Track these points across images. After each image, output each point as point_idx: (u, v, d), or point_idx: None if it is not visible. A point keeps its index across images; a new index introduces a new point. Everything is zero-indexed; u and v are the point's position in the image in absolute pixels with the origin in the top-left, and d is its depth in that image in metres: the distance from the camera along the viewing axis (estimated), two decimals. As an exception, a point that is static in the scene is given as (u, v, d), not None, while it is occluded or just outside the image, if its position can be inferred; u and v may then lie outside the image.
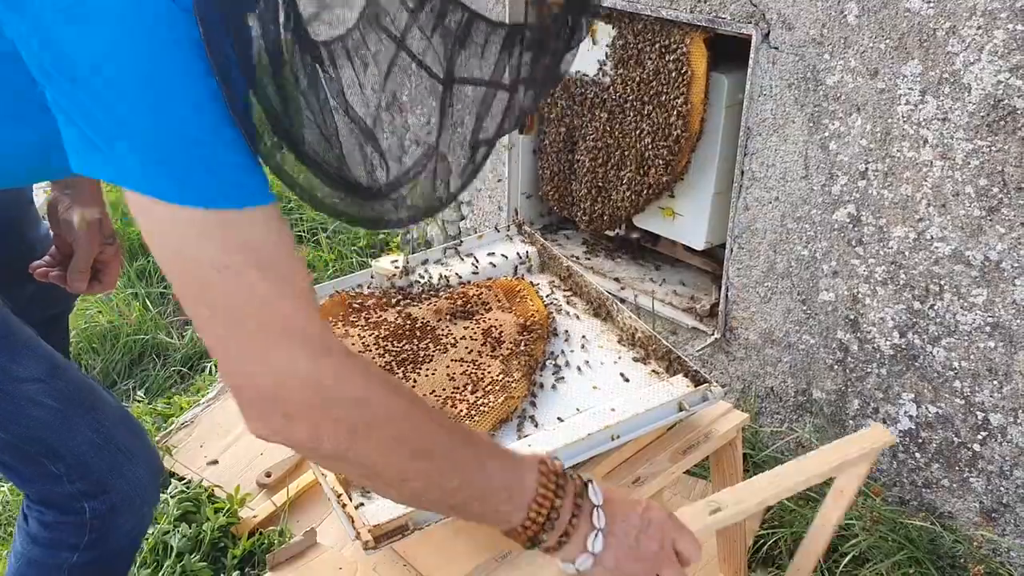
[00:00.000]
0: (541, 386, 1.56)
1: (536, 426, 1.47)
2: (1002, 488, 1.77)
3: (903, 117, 1.69)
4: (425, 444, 0.95)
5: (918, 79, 1.65)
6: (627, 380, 1.57)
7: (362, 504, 1.29)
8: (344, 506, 1.25)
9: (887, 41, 1.67)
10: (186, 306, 0.88)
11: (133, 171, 0.81)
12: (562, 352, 1.64)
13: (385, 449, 0.92)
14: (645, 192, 2.27)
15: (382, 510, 1.25)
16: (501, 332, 1.64)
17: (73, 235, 1.41)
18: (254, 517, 1.98)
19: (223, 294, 0.84)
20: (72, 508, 1.35)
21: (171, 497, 1.95)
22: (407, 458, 0.94)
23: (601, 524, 1.04)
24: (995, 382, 1.71)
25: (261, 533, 1.94)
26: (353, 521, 1.22)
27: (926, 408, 1.83)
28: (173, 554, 1.81)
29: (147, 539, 1.82)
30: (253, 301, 0.85)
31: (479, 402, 1.48)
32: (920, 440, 1.86)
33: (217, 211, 0.82)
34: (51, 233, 1.48)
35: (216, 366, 2.56)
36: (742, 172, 1.97)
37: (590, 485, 1.05)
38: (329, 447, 0.89)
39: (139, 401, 2.47)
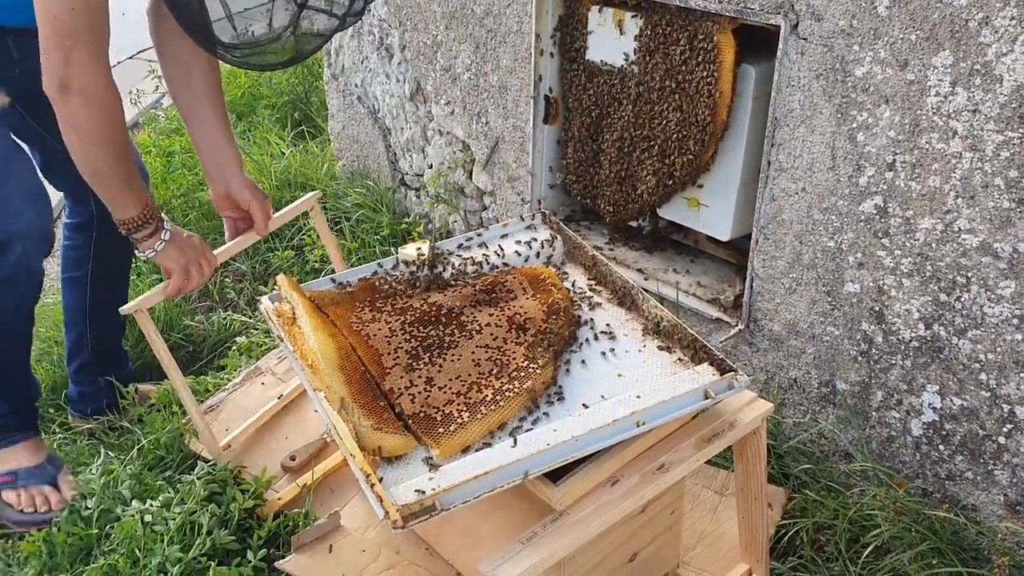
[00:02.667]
0: (566, 373, 1.57)
1: (561, 412, 1.48)
2: (1027, 482, 1.77)
3: (933, 108, 1.69)
4: (107, 144, 1.75)
5: (949, 70, 1.64)
6: (652, 368, 1.57)
7: (391, 486, 1.30)
8: (373, 486, 1.26)
9: (918, 32, 1.66)
10: (46, 36, 1.63)
11: None
12: (587, 340, 1.65)
13: (93, 128, 1.73)
14: (670, 182, 2.27)
15: (410, 491, 1.27)
16: (526, 319, 1.66)
17: (245, 203, 2.07)
18: (278, 499, 2.00)
19: (67, 23, 1.62)
20: None
21: (198, 478, 1.97)
22: (95, 144, 1.75)
23: (159, 248, 1.90)
24: (1022, 375, 1.71)
25: (286, 515, 1.97)
26: (382, 500, 1.24)
27: (951, 400, 1.82)
28: (203, 531, 1.83)
29: (174, 519, 1.85)
30: (78, 30, 1.63)
31: (504, 388, 1.49)
32: (944, 432, 1.85)
33: None
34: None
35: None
36: (769, 163, 1.97)
37: (164, 222, 1.91)
38: (76, 115, 1.69)
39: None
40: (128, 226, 1.87)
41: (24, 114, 2.15)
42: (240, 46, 1.56)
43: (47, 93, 1.68)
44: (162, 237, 1.90)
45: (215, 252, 2.07)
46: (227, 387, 2.38)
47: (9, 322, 2.08)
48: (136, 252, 1.93)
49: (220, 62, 1.83)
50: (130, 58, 5.61)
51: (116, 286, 2.42)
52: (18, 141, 2.11)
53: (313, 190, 3.42)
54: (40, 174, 2.17)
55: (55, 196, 4.02)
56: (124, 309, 1.96)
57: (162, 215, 1.93)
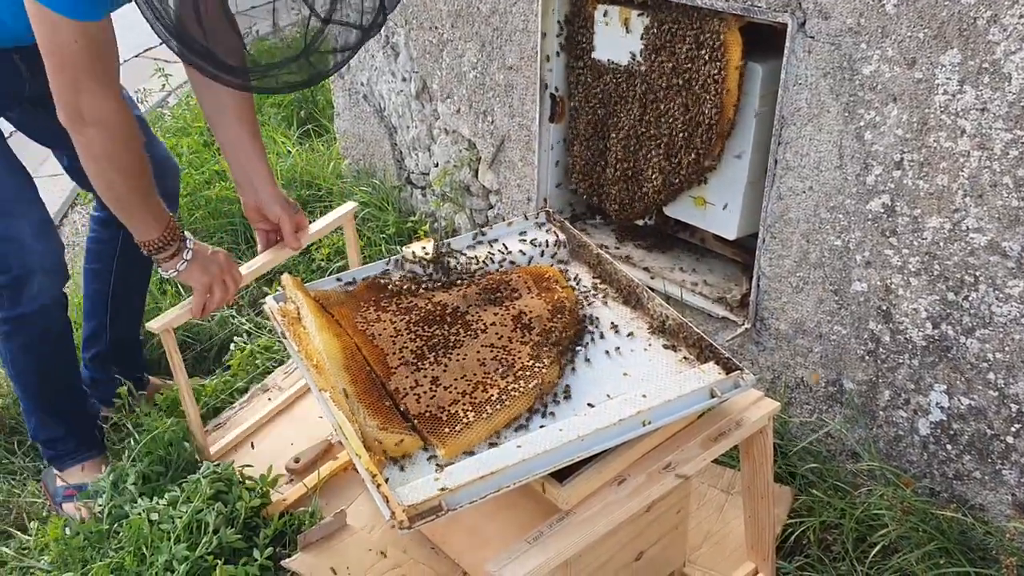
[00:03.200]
0: (572, 372, 1.57)
1: (567, 411, 1.48)
2: (1035, 482, 1.76)
3: (940, 107, 1.68)
4: (126, 171, 1.77)
5: (957, 68, 1.64)
6: (658, 367, 1.57)
7: (397, 486, 1.30)
8: (379, 486, 1.26)
9: (926, 30, 1.65)
10: (51, 67, 1.62)
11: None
12: (592, 339, 1.64)
13: (111, 157, 1.74)
14: (677, 181, 2.27)
15: (416, 491, 1.27)
16: (531, 318, 1.65)
17: (275, 217, 2.06)
18: (284, 500, 2.00)
19: (71, 55, 1.61)
20: None
21: (203, 477, 1.97)
22: (116, 172, 1.76)
23: (188, 257, 1.90)
24: (1030, 375, 1.70)
25: (291, 514, 1.97)
26: (388, 501, 1.24)
27: (958, 400, 1.82)
28: (209, 530, 1.83)
29: (181, 517, 1.85)
30: (84, 62, 1.62)
31: (510, 387, 1.49)
32: (952, 432, 1.84)
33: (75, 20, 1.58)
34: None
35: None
36: (776, 161, 1.96)
37: (188, 240, 1.90)
38: (93, 146, 1.71)
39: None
40: (149, 247, 1.87)
41: (45, 117, 2.15)
42: (254, 69, 1.53)
43: (63, 124, 1.69)
44: (184, 257, 1.90)
45: (245, 267, 2.06)
46: (235, 405, 2.39)
47: (46, 353, 2.11)
48: (159, 271, 1.93)
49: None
50: (136, 56, 5.62)
51: (138, 281, 2.44)
52: (41, 145, 2.15)
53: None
54: (64, 175, 2.22)
55: (64, 191, 4.07)
56: (151, 326, 1.97)
57: (186, 234, 1.93)
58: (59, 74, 1.63)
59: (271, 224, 2.08)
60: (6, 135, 2.07)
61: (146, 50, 5.60)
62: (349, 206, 2.23)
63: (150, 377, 2.55)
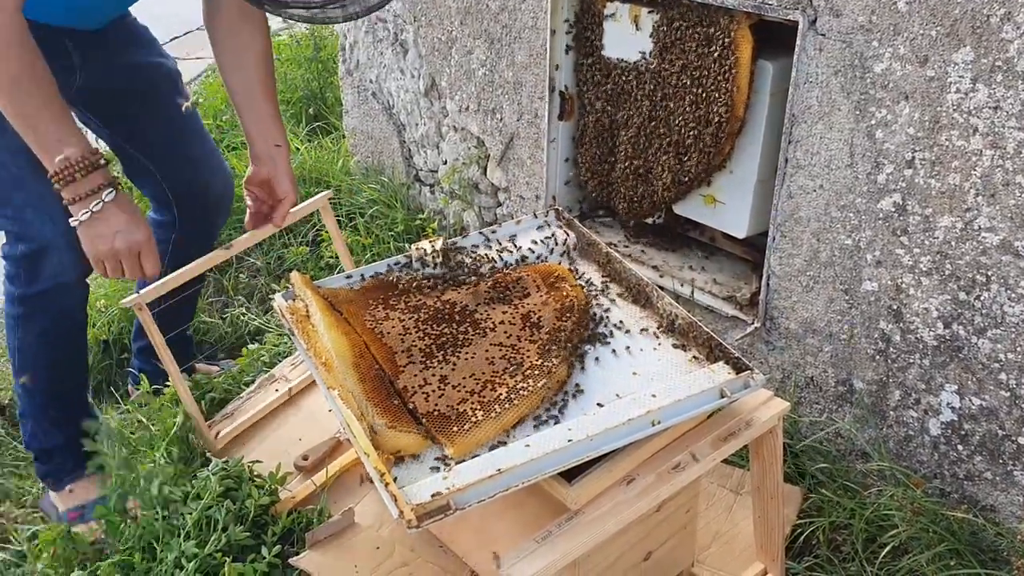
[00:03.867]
0: (581, 371, 1.56)
1: (576, 410, 1.47)
2: (1047, 483, 1.75)
3: (953, 105, 1.67)
4: (16, 80, 1.56)
5: (969, 67, 1.62)
6: (667, 366, 1.56)
7: (405, 485, 1.30)
8: (387, 485, 1.26)
9: (938, 28, 1.64)
10: None
11: None
12: (601, 338, 1.64)
13: None
14: (686, 179, 2.26)
15: (424, 490, 1.26)
16: (540, 317, 1.65)
17: (283, 193, 1.99)
18: (292, 497, 2.01)
19: None
20: (12, 246, 1.93)
21: (213, 474, 1.98)
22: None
23: (95, 209, 1.63)
24: (1042, 375, 1.69)
25: (300, 512, 1.97)
26: (396, 500, 1.24)
27: (970, 400, 1.80)
28: (218, 527, 1.84)
29: (191, 514, 1.85)
30: None
31: (519, 386, 1.48)
32: (963, 432, 1.83)
33: None
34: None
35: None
36: (786, 160, 1.95)
37: (112, 190, 1.63)
38: None
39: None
40: (57, 175, 1.62)
41: (101, 126, 2.14)
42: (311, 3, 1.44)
43: None
44: (102, 200, 1.64)
45: (236, 242, 2.04)
46: (242, 395, 2.39)
47: (61, 341, 2.03)
48: (70, 218, 1.69)
49: (273, 51, 1.78)
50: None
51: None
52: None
53: (328, 186, 3.43)
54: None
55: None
56: (123, 302, 1.91)
57: (112, 175, 1.68)
58: None
59: (266, 195, 2.03)
60: None
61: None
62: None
63: (197, 365, 2.54)
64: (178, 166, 2.20)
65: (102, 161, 1.65)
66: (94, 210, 1.63)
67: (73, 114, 2.06)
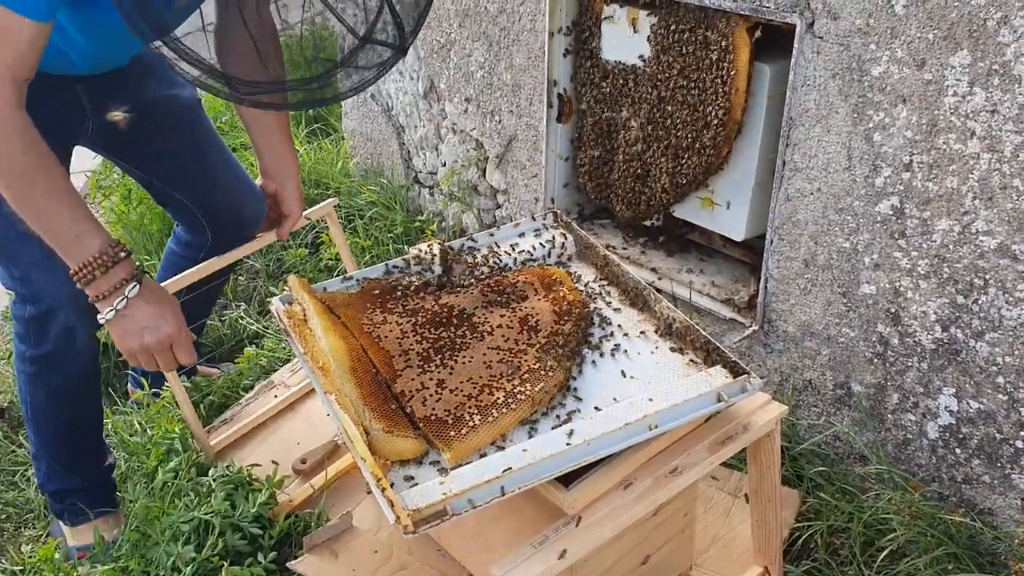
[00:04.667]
0: (579, 374, 1.56)
1: (573, 414, 1.47)
2: (1045, 486, 1.75)
3: (950, 109, 1.67)
4: (22, 177, 1.47)
5: (967, 70, 1.62)
6: (664, 370, 1.56)
7: (402, 490, 1.30)
8: (384, 490, 1.26)
9: (935, 31, 1.64)
10: None
11: None
12: (599, 341, 1.64)
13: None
14: (684, 182, 2.26)
15: (421, 495, 1.26)
16: (537, 320, 1.65)
17: (288, 209, 2.00)
18: (290, 501, 2.00)
19: None
20: (20, 306, 1.88)
21: (213, 480, 1.98)
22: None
23: (119, 306, 1.55)
24: (1040, 379, 1.69)
25: (297, 516, 1.97)
26: (393, 505, 1.23)
27: (967, 403, 1.80)
28: (216, 533, 1.84)
29: (190, 521, 1.85)
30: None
31: (516, 390, 1.48)
32: (961, 436, 1.83)
33: None
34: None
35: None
36: (784, 163, 1.95)
37: (135, 284, 1.55)
38: None
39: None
40: (78, 276, 1.56)
41: (123, 162, 2.12)
42: (296, 82, 1.42)
43: None
44: (127, 295, 1.57)
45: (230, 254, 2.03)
46: (241, 401, 2.39)
47: (72, 399, 1.98)
48: (97, 315, 1.62)
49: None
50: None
51: (209, 292, 2.35)
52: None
53: (327, 188, 3.43)
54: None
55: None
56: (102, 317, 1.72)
57: (138, 268, 1.62)
58: None
59: (275, 210, 2.08)
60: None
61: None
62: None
63: (199, 367, 2.53)
64: (207, 195, 2.14)
65: (123, 254, 1.58)
66: (119, 308, 1.57)
67: (96, 153, 2.06)
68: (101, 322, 1.60)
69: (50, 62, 1.61)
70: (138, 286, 1.59)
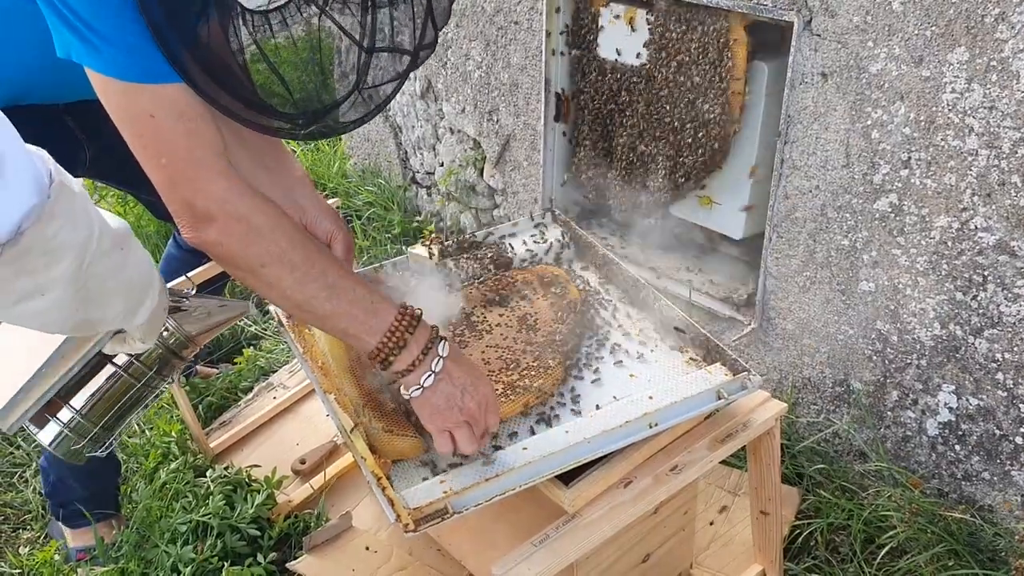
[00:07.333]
0: (577, 373, 1.56)
1: (573, 412, 1.47)
2: (1044, 482, 1.75)
3: (948, 105, 1.67)
4: (294, 259, 1.24)
5: (964, 67, 1.62)
6: (664, 368, 1.56)
7: (402, 489, 1.30)
8: (384, 489, 1.25)
9: (933, 28, 1.64)
10: (139, 154, 1.19)
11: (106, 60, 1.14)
12: (598, 340, 1.63)
13: (261, 254, 1.22)
14: (683, 180, 2.26)
15: (421, 494, 1.26)
16: (536, 319, 1.65)
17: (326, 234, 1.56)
18: (289, 501, 2.00)
19: (152, 135, 1.18)
20: None
21: (212, 481, 1.98)
22: (279, 266, 1.23)
23: (436, 368, 1.29)
24: (1039, 375, 1.69)
25: (297, 516, 1.97)
26: (393, 504, 1.23)
27: (967, 400, 1.80)
28: (214, 534, 1.83)
29: (190, 523, 1.85)
30: (171, 142, 1.18)
31: (515, 383, 1.48)
32: (960, 432, 1.83)
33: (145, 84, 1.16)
34: None
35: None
36: (782, 160, 1.95)
37: (442, 340, 1.30)
38: (227, 250, 1.22)
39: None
40: (391, 345, 1.28)
41: (124, 186, 2.11)
42: (307, 114, 1.23)
43: (190, 243, 1.24)
44: (432, 369, 1.29)
45: None
46: (240, 403, 2.39)
47: None
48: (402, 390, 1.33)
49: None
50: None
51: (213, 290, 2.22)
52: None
53: (325, 189, 3.42)
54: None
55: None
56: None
57: (437, 331, 1.33)
58: (148, 164, 1.20)
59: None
60: None
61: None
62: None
63: (198, 367, 2.53)
64: None
65: (418, 311, 1.32)
66: (436, 370, 1.29)
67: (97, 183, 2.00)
68: (407, 397, 1.31)
69: (31, 90, 1.52)
70: (445, 342, 1.31)
